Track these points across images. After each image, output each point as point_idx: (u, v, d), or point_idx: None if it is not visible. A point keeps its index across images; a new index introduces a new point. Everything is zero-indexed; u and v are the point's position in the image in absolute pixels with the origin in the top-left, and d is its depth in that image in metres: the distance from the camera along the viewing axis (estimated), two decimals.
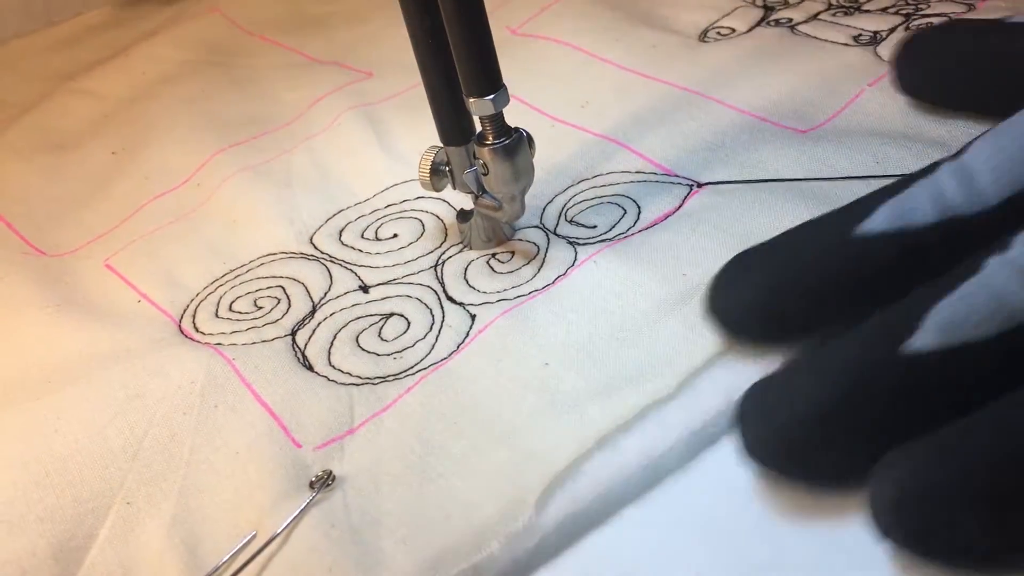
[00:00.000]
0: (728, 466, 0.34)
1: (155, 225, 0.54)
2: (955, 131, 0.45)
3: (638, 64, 0.58)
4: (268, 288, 0.47)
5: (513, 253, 0.46)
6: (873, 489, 0.28)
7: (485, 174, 0.42)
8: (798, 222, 0.41)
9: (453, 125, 0.44)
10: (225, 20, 0.80)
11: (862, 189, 0.43)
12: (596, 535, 0.33)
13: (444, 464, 0.36)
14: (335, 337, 0.43)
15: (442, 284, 0.45)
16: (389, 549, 0.33)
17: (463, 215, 0.47)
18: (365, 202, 0.52)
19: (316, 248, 0.50)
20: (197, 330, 0.46)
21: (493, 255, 0.46)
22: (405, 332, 0.43)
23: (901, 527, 0.28)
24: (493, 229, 0.46)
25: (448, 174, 0.45)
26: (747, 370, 0.36)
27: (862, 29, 0.56)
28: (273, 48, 0.74)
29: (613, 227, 0.46)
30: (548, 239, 0.46)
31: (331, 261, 0.48)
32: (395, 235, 0.49)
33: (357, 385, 0.41)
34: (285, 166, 0.57)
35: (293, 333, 0.44)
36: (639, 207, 0.46)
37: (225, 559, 0.34)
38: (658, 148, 0.50)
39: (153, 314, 0.47)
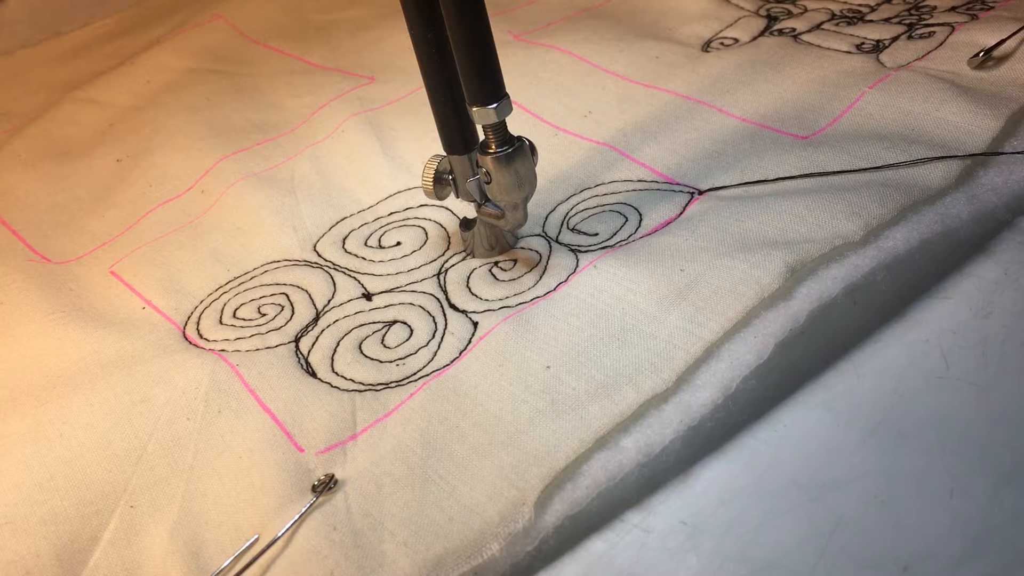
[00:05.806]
0: (728, 468, 0.34)
1: (159, 232, 0.55)
2: (955, 133, 0.45)
3: (641, 74, 0.59)
4: (272, 295, 0.48)
5: (515, 261, 0.46)
6: None
7: (488, 182, 0.42)
8: (796, 221, 0.42)
9: (456, 134, 0.44)
10: (229, 28, 0.80)
11: (859, 184, 0.43)
12: (596, 537, 0.33)
13: (446, 467, 0.36)
14: (338, 344, 0.44)
15: (445, 292, 0.45)
16: (391, 552, 0.33)
17: (466, 223, 0.47)
18: (368, 209, 0.53)
19: (319, 255, 0.50)
20: (201, 336, 0.46)
21: (496, 263, 0.46)
22: (408, 339, 0.43)
23: None
24: (496, 237, 0.47)
25: (451, 182, 0.45)
26: (744, 362, 0.36)
27: (865, 38, 0.57)
28: (276, 56, 0.74)
29: (614, 234, 0.46)
30: (550, 247, 0.46)
31: (334, 269, 0.49)
32: (398, 243, 0.50)
33: (360, 391, 0.41)
34: (288, 173, 0.57)
35: (296, 340, 0.44)
36: (640, 215, 0.47)
37: (228, 562, 0.34)
38: (660, 157, 0.51)
39: (157, 320, 0.47)
